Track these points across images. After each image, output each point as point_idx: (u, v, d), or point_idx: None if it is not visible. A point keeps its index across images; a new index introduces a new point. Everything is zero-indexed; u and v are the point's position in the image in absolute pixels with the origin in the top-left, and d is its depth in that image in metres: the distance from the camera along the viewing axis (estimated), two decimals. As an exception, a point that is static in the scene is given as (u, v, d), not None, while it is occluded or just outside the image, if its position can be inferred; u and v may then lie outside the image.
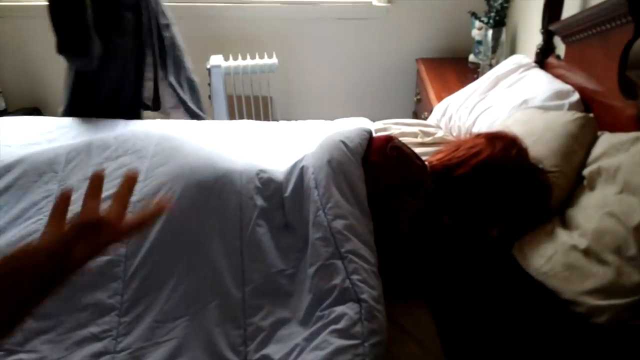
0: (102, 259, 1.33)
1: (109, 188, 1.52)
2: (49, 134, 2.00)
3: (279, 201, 1.45)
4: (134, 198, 1.44)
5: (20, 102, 3.30)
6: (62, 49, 2.04)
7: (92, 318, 1.25)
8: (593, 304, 1.15)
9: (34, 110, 3.25)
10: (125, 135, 1.78)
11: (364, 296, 1.16)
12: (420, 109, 2.85)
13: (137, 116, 2.33)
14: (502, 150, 1.44)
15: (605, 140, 1.44)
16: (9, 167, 1.67)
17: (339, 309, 1.16)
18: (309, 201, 1.38)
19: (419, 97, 2.92)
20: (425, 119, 2.48)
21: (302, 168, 1.47)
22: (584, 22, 1.71)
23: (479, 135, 1.54)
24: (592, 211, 1.29)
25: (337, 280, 1.20)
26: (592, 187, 1.39)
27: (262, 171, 1.52)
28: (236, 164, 1.53)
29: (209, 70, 2.85)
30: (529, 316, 1.22)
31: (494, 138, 1.50)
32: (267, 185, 1.48)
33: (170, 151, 1.60)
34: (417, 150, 1.62)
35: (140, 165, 1.59)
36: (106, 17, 2.10)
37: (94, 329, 1.23)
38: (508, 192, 1.40)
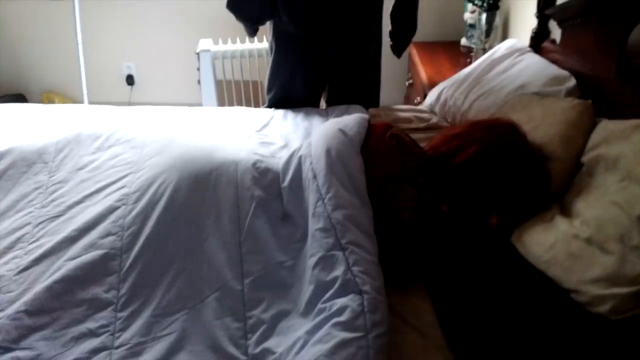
0: (98, 253, 1.30)
1: (102, 179, 1.52)
2: (35, 122, 1.95)
3: (277, 191, 1.43)
4: (129, 189, 1.43)
5: (3, 88, 3.22)
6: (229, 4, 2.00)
7: (88, 313, 1.22)
8: (595, 293, 1.15)
9: (19, 97, 3.18)
10: (116, 124, 1.74)
11: (366, 287, 1.15)
12: (412, 94, 2.82)
13: None
14: (500, 137, 1.43)
15: (604, 127, 1.43)
16: (-4, 158, 1.63)
17: (341, 301, 1.14)
18: (308, 191, 1.36)
19: (411, 81, 2.89)
20: (418, 104, 2.47)
21: (300, 157, 1.45)
22: (581, 6, 1.69)
23: (477, 122, 1.52)
24: (593, 199, 1.29)
25: (338, 272, 1.18)
26: (591, 174, 1.38)
27: (259, 161, 1.49)
28: (232, 154, 1.50)
29: (198, 54, 2.80)
30: (529, 305, 1.21)
31: (492, 125, 1.49)
32: (265, 175, 1.46)
33: (164, 141, 1.57)
34: (413, 136, 1.60)
35: (133, 156, 1.55)
36: None
37: (91, 325, 1.21)
38: (507, 180, 1.39)
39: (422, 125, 2.04)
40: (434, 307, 1.29)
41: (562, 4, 1.85)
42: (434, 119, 2.09)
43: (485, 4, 2.41)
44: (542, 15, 2.03)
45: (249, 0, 2.01)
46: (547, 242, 1.28)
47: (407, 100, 2.94)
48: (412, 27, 2.21)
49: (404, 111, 2.17)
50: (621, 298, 1.11)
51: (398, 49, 2.26)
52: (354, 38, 2.08)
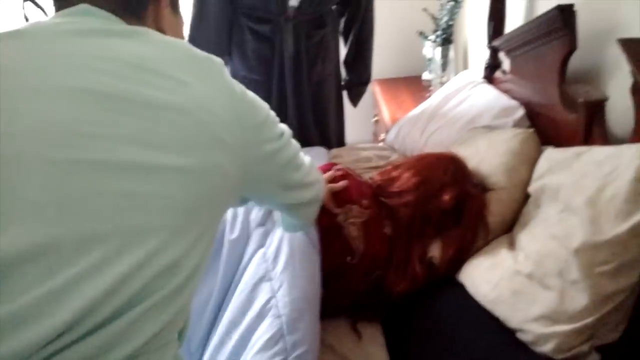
0: None
1: None
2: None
3: None
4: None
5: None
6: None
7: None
8: (539, 332, 1.10)
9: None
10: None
11: (285, 310, 1.13)
12: (378, 131, 2.82)
13: None
14: (437, 166, 1.46)
15: (548, 156, 1.41)
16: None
17: (261, 326, 1.12)
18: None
19: (377, 118, 2.89)
20: (382, 141, 2.46)
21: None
22: (522, 37, 1.69)
23: (419, 155, 1.55)
24: (536, 232, 1.25)
25: (262, 298, 1.18)
26: (537, 205, 1.35)
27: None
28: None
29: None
30: (478, 347, 1.17)
31: (432, 156, 1.51)
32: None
33: None
34: (371, 174, 1.62)
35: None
36: None
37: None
38: (440, 206, 1.40)
39: (381, 163, 2.03)
40: (389, 355, 1.25)
41: (507, 35, 1.86)
42: (394, 156, 2.07)
43: (438, 39, 2.43)
44: (493, 46, 2.04)
45: (205, 41, 2.00)
46: (493, 280, 1.25)
47: (375, 137, 2.94)
48: (366, 76, 2.28)
49: (366, 149, 2.16)
50: (563, 336, 1.06)
51: (354, 98, 2.33)
52: (310, 79, 2.08)
